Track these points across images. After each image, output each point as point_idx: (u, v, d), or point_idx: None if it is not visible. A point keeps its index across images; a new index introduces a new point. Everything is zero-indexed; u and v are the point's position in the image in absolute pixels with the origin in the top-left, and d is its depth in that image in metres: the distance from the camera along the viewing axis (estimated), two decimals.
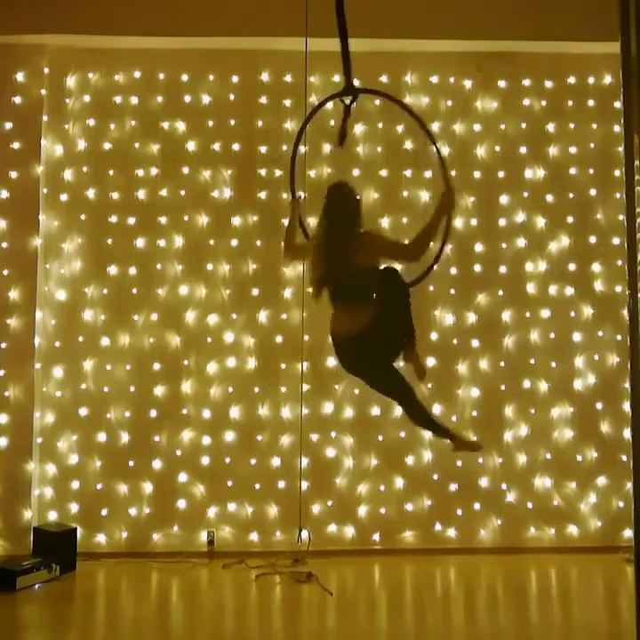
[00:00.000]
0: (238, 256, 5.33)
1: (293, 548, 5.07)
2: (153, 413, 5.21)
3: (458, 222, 5.42)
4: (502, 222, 5.46)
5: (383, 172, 5.39)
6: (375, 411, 5.28)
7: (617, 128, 5.44)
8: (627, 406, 4.93)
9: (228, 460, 5.21)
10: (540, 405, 5.36)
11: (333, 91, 5.37)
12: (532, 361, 5.39)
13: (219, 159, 5.35)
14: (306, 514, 5.12)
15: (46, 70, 5.28)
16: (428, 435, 5.29)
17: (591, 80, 5.54)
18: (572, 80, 5.54)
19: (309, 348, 5.16)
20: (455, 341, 5.37)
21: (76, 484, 5.15)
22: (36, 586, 4.58)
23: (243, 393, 5.26)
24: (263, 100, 5.41)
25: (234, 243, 5.32)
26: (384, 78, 5.46)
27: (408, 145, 5.44)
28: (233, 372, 5.27)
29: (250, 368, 5.29)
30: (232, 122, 5.36)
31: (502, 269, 5.43)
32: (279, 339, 5.28)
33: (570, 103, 5.53)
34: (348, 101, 3.72)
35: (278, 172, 5.28)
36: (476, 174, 5.47)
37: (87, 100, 5.36)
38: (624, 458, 5.26)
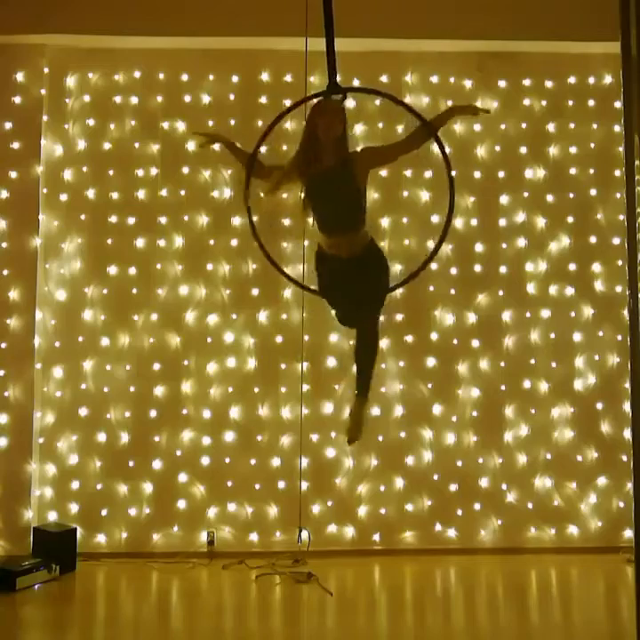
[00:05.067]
0: (238, 256, 5.33)
1: (293, 549, 5.07)
2: (153, 413, 5.21)
3: (458, 222, 5.42)
4: (502, 222, 5.46)
5: (383, 172, 5.39)
6: (375, 411, 5.27)
7: (617, 128, 5.44)
8: (627, 406, 4.94)
9: (227, 460, 5.21)
10: (540, 405, 5.36)
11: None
12: (533, 361, 5.39)
13: (219, 159, 5.34)
14: (306, 514, 5.12)
15: (46, 70, 5.28)
16: (428, 435, 5.30)
17: (591, 80, 5.54)
18: (572, 80, 5.53)
19: (309, 347, 5.16)
20: (455, 341, 5.37)
21: (76, 485, 5.15)
22: (36, 586, 4.57)
23: (243, 393, 5.26)
24: (263, 99, 5.40)
25: (234, 243, 5.32)
26: (384, 78, 5.46)
27: None
28: (233, 372, 5.27)
29: (250, 368, 5.29)
30: (232, 122, 5.35)
31: (502, 269, 5.43)
32: (279, 339, 5.27)
33: (570, 103, 5.52)
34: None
35: None
36: (476, 174, 5.47)
37: (87, 100, 5.36)
38: (624, 458, 5.26)
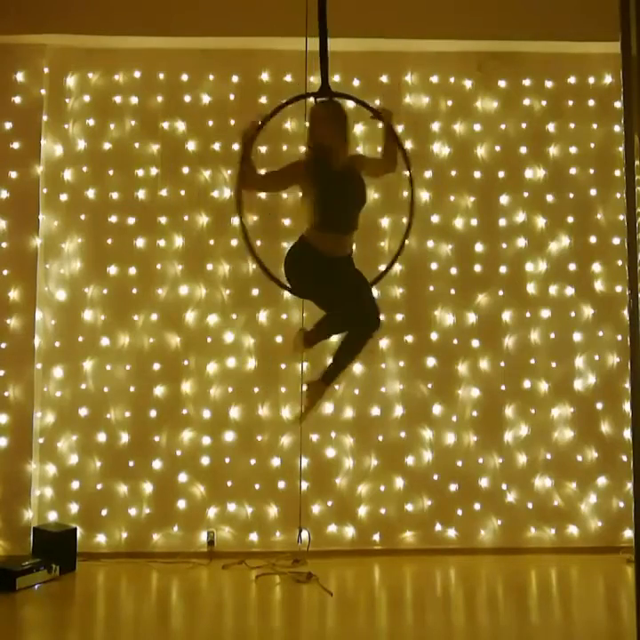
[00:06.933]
0: (238, 256, 5.32)
1: (293, 549, 5.07)
2: (153, 413, 5.21)
3: (458, 222, 5.43)
4: (502, 222, 5.46)
5: None
6: (375, 411, 5.28)
7: (617, 128, 5.44)
8: (627, 406, 4.94)
9: (227, 460, 5.21)
10: (540, 405, 5.36)
11: (333, 90, 5.41)
12: (532, 361, 5.39)
13: (219, 159, 5.35)
14: (306, 514, 5.12)
15: (46, 70, 5.27)
16: (428, 435, 5.30)
17: (591, 80, 5.54)
18: (572, 80, 5.53)
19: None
20: (455, 341, 5.37)
21: (76, 485, 5.15)
22: (36, 586, 4.57)
23: (243, 393, 5.26)
24: (263, 99, 5.40)
25: (234, 243, 5.32)
26: (384, 78, 5.46)
27: (408, 145, 5.44)
28: (233, 372, 5.27)
29: (250, 368, 5.29)
30: (232, 122, 5.35)
31: (502, 269, 5.43)
32: (279, 339, 5.27)
33: (570, 103, 5.52)
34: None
35: None
36: (476, 174, 5.47)
37: (87, 100, 5.36)
38: (624, 458, 5.26)
